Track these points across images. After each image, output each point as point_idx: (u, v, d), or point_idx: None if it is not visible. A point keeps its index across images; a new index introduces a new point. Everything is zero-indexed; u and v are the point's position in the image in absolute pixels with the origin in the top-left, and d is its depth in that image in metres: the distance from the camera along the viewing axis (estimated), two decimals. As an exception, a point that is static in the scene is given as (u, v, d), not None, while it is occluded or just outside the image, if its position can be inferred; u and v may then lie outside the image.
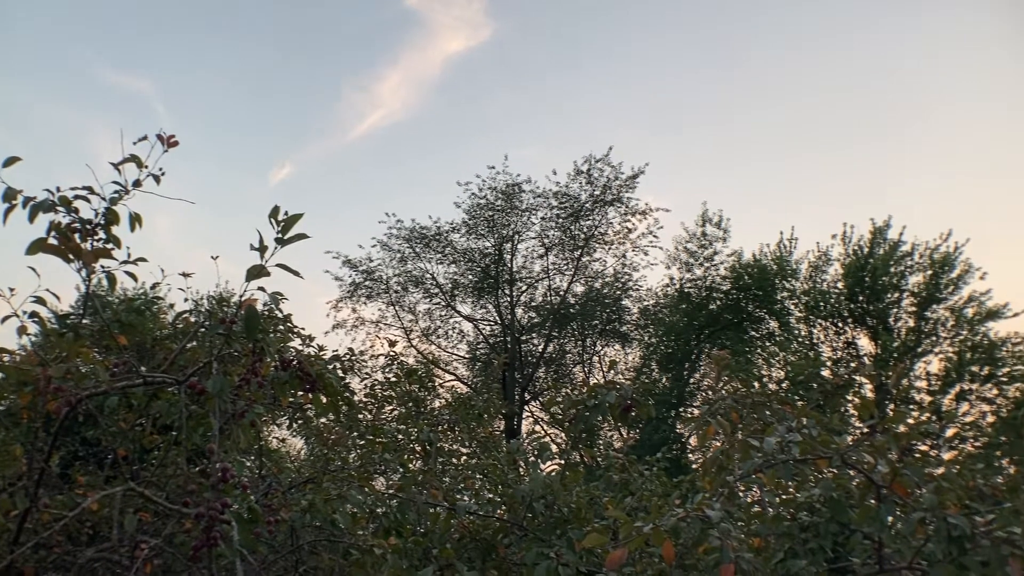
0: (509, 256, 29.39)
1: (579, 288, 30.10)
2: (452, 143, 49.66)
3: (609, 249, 29.57)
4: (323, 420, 6.71)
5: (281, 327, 5.49)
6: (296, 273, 3.03)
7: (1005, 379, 28.36)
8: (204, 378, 3.37)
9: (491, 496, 5.53)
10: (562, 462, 5.12)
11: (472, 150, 50.42)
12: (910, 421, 3.78)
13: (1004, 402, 28.36)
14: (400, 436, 7.51)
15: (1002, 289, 43.40)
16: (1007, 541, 3.43)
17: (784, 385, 27.50)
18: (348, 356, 6.96)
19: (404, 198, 59.36)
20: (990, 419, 28.51)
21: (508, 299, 29.68)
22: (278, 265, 3.04)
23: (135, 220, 3.49)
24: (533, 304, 30.46)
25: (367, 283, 29.71)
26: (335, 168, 49.51)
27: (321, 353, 5.54)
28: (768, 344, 31.27)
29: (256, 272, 3.06)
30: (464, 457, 8.12)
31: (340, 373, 3.79)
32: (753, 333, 31.19)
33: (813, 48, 46.83)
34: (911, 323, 29.79)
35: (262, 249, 3.04)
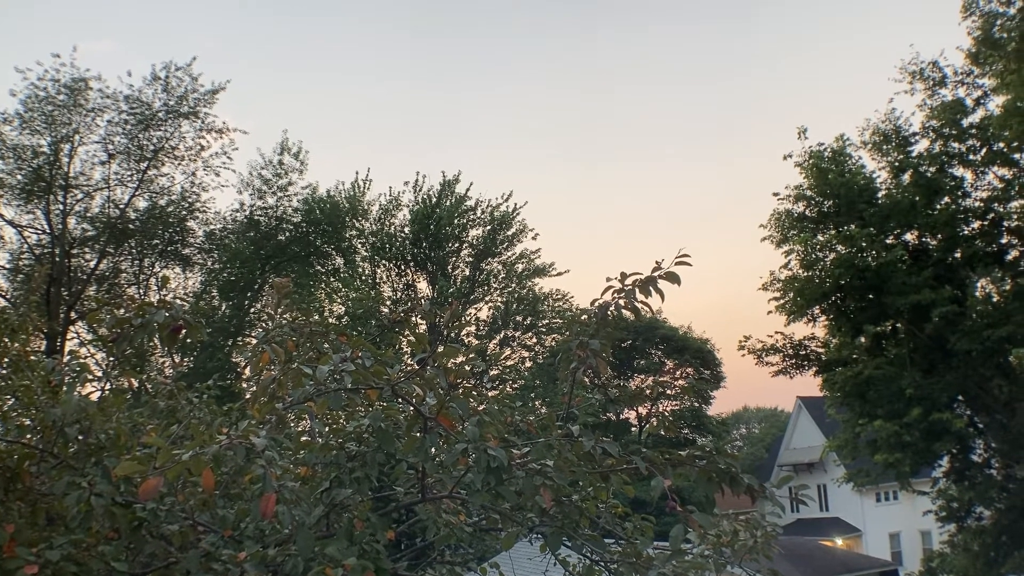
0: (67, 159, 26.52)
1: (142, 203, 28.04)
2: (16, 23, 43.79)
3: (179, 165, 27.80)
4: None
5: None
6: None
7: (544, 330, 31.89)
8: None
9: (23, 421, 4.99)
10: (105, 386, 4.74)
11: (39, 34, 44.86)
12: (459, 359, 3.95)
13: (541, 350, 31.94)
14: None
15: (549, 250, 48.14)
16: (539, 472, 3.76)
17: (344, 320, 28.16)
18: None
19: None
20: (528, 364, 31.92)
21: (60, 206, 26.83)
22: None
23: None
24: (88, 215, 27.82)
25: None
26: None
27: None
28: (332, 280, 31.76)
29: None
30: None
31: None
32: (319, 268, 31.42)
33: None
34: (467, 272, 32.05)
35: None
